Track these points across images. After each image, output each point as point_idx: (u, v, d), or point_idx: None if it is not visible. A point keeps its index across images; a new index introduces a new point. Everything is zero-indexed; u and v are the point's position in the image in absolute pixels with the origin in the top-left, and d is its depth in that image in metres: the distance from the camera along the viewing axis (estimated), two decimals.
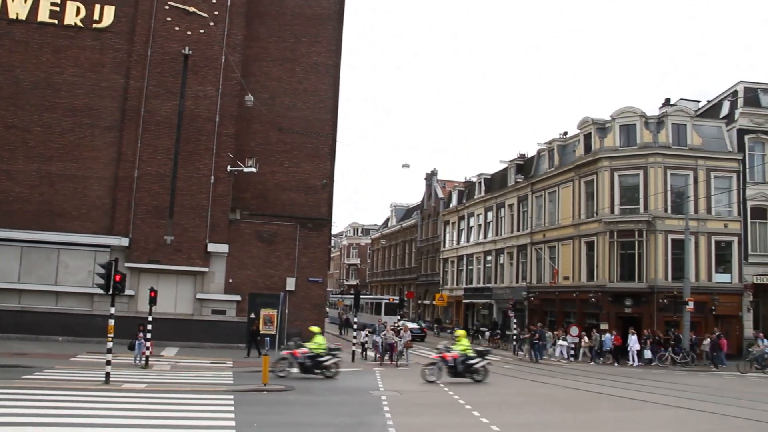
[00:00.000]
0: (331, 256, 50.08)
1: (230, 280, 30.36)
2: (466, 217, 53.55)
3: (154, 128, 29.90)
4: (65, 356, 22.99)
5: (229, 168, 30.26)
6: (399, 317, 37.31)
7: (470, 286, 51.39)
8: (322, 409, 15.16)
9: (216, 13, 30.74)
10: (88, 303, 28.94)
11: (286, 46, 32.87)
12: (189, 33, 30.37)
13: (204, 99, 30.43)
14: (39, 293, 28.72)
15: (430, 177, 64.14)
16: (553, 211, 40.32)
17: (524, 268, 43.38)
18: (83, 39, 30.38)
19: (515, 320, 36.51)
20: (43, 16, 29.98)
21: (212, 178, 30.13)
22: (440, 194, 61.03)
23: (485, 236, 49.51)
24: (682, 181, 34.21)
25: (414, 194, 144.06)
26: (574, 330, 33.14)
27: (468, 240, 52.67)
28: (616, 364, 30.35)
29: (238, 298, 30.18)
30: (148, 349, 21.60)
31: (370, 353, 29.62)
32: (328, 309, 51.87)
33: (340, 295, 67.64)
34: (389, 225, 79.00)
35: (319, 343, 20.88)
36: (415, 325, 42.65)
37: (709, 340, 30.65)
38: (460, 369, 20.77)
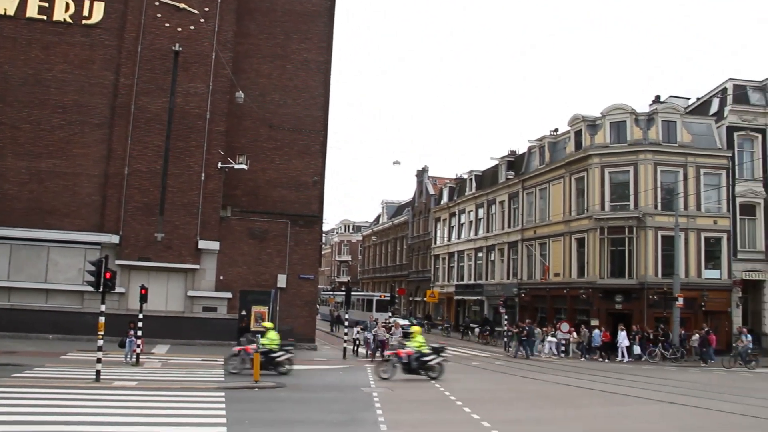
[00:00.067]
0: (323, 253, 50.02)
1: (221, 278, 30.30)
2: (457, 213, 53.68)
3: (145, 125, 29.76)
4: (55, 354, 22.91)
5: (219, 165, 30.17)
6: (390, 314, 37.44)
7: (461, 282, 51.53)
8: (313, 405, 15.20)
9: (206, 9, 30.62)
10: (79, 301, 28.81)
11: (277, 42, 32.78)
12: (179, 29, 30.23)
13: (194, 96, 30.31)
14: (29, 291, 28.55)
15: (421, 174, 64.22)
16: (544, 208, 40.50)
17: (515, 265, 43.55)
18: (72, 35, 30.17)
19: (506, 317, 36.66)
20: (31, 12, 29.73)
21: (203, 175, 30.04)
22: (431, 191, 61.12)
23: (476, 233, 49.65)
24: (672, 178, 34.46)
25: (405, 191, 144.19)
26: (565, 326, 33.30)
27: (459, 237, 52.81)
28: (606, 360, 30.53)
29: (229, 295, 30.12)
30: (138, 346, 21.53)
31: (362, 350, 29.70)
32: (319, 306, 51.84)
33: (331, 292, 67.63)
34: (380, 222, 79.03)
35: (271, 338, 20.52)
36: (406, 322, 42.70)
37: (698, 335, 30.91)
38: (414, 366, 20.48)
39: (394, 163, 70.10)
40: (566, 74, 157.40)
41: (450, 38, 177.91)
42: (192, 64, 30.35)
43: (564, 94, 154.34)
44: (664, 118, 35.04)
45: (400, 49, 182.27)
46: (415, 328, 23.14)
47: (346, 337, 29.72)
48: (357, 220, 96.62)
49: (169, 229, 29.29)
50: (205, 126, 30.19)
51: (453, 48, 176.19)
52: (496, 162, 48.15)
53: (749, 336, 29.51)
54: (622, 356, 30.66)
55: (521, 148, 46.78)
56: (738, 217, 34.79)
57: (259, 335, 21.54)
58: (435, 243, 57.57)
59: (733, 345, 30.40)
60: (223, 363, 21.12)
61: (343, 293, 34.34)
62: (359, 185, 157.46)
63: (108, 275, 17.79)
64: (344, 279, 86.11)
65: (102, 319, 17.59)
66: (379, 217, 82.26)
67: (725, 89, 36.56)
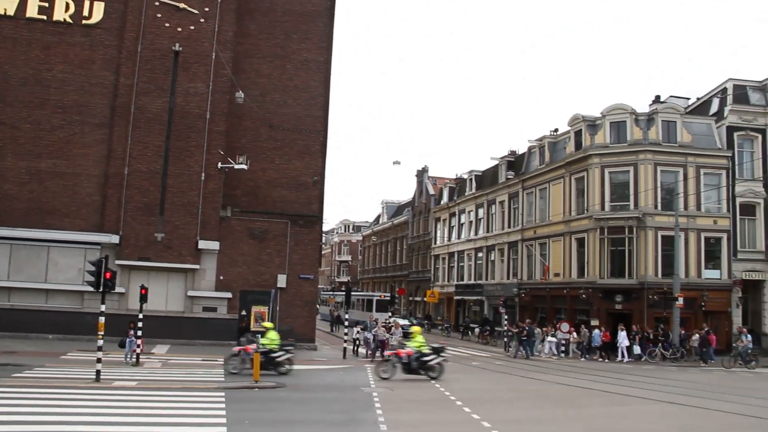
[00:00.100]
0: (323, 253, 50.03)
1: (221, 278, 30.30)
2: (457, 213, 53.68)
3: (145, 125, 29.76)
4: (56, 354, 22.91)
5: (219, 165, 30.17)
6: (390, 314, 37.42)
7: (461, 282, 51.53)
8: (313, 405, 15.20)
9: (206, 9, 30.62)
10: (79, 301, 28.81)
11: (277, 42, 32.78)
12: (179, 29, 30.24)
13: (194, 96, 30.31)
14: (29, 291, 28.55)
15: (421, 174, 64.22)
16: (544, 208, 40.50)
17: (515, 265, 43.55)
18: (72, 35, 30.17)
19: (506, 317, 36.65)
20: (31, 12, 29.74)
21: (203, 175, 30.04)
22: (431, 191, 61.13)
23: (476, 233, 49.65)
24: (672, 178, 34.46)
25: (405, 191, 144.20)
26: (565, 326, 33.29)
27: (459, 236, 52.81)
28: (606, 361, 30.53)
29: (229, 295, 30.12)
30: (138, 346, 21.53)
31: (362, 350, 29.70)
32: (319, 306, 51.85)
33: (331, 292, 67.62)
34: (380, 222, 79.01)
35: (271, 338, 20.53)
36: (406, 322, 42.69)
37: (698, 335, 30.91)
38: (414, 366, 20.49)
39: (394, 163, 70.22)
40: (566, 74, 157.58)
41: (450, 38, 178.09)
42: (192, 64, 30.35)
43: (564, 94, 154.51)
44: (664, 118, 35.04)
45: (400, 49, 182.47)
46: (415, 328, 23.14)
47: (346, 337, 29.71)
48: (357, 220, 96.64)
49: (169, 229, 29.29)
50: (205, 126, 30.19)
51: (453, 48, 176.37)
52: (496, 162, 48.15)
53: (749, 336, 29.52)
54: (622, 356, 30.66)
55: (521, 148, 46.85)
56: (738, 217, 34.80)
57: (259, 335, 21.51)
58: (435, 243, 57.57)
59: (733, 345, 30.40)
60: (223, 363, 21.13)
61: (343, 293, 34.34)
62: (359, 185, 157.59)
63: (108, 275, 17.79)
64: (344, 279, 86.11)
65: (102, 319, 17.59)
66: (379, 217, 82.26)
67: (725, 89, 36.57)
